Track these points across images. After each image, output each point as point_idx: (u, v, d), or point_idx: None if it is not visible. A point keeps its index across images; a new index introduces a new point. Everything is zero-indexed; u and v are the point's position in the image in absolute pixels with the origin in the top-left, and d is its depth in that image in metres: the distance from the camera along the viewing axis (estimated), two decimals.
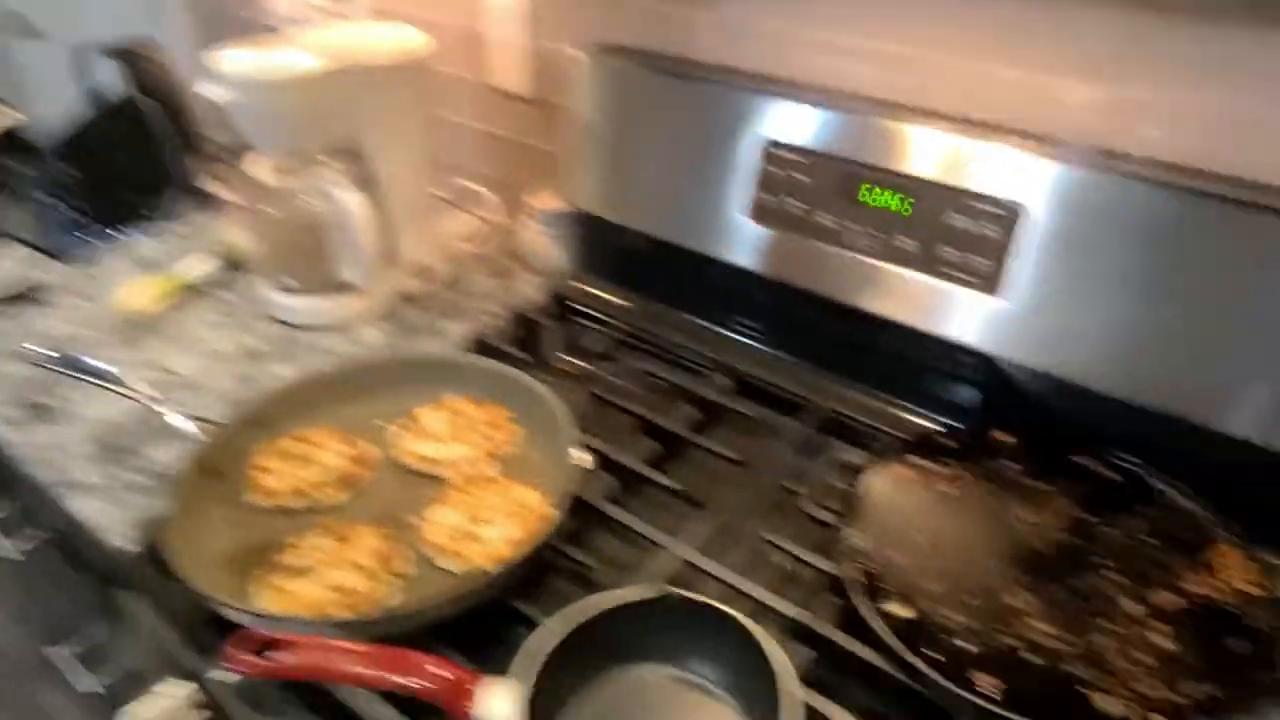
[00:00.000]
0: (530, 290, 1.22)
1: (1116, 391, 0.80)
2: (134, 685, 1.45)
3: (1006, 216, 0.80)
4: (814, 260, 0.94)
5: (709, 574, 0.75)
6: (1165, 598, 0.69)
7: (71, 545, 1.18)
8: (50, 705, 1.94)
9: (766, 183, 0.95)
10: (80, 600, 1.43)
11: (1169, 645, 0.65)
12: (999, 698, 0.61)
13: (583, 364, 1.02)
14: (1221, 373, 0.74)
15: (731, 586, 0.74)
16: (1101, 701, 0.61)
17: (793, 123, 0.92)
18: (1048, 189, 0.79)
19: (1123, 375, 0.79)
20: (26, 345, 0.96)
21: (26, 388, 1.02)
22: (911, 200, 0.86)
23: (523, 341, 1.09)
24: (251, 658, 0.58)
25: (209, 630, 0.73)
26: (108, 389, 0.87)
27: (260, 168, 1.07)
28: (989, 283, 0.82)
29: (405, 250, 1.17)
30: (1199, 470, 0.78)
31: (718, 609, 0.65)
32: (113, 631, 1.40)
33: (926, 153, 0.85)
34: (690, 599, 0.65)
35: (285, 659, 0.58)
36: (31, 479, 0.94)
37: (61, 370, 0.89)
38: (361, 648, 0.60)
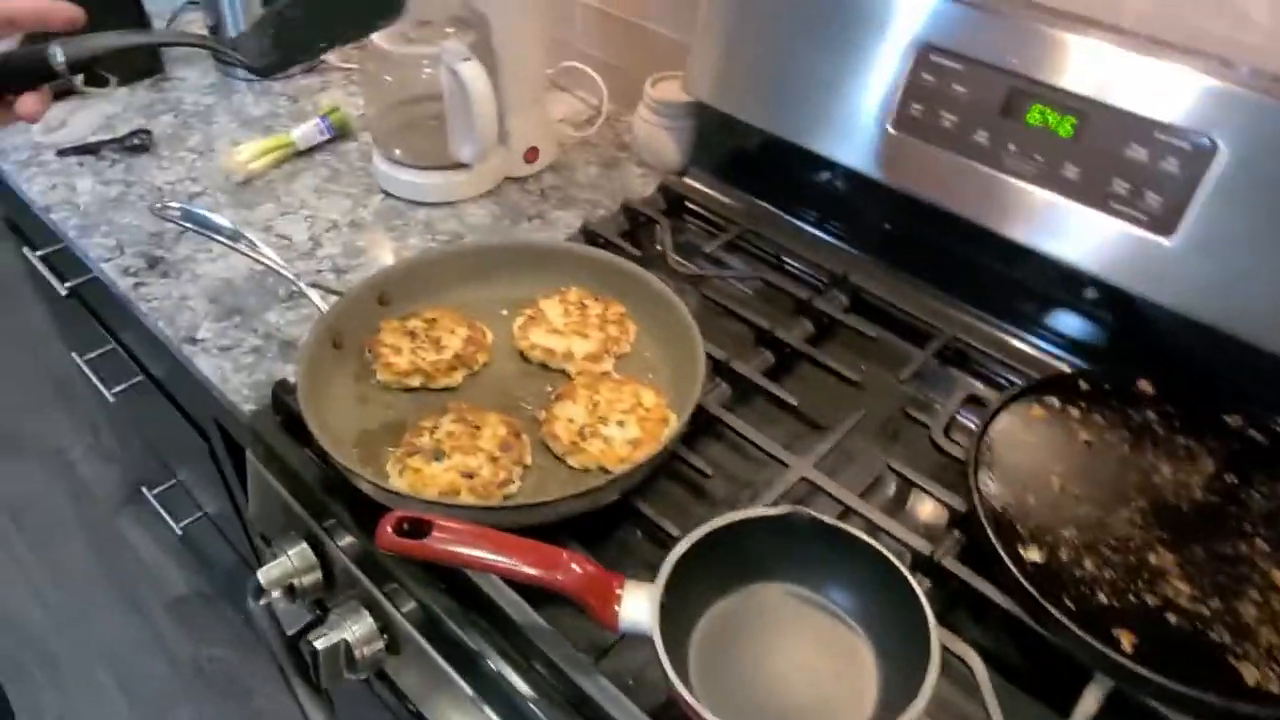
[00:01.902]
0: (637, 183, 1.18)
1: None
2: (212, 532, 1.49)
3: (1196, 152, 0.74)
4: (957, 178, 0.88)
5: (831, 495, 0.73)
6: None
7: (169, 395, 1.20)
8: (135, 542, 2.04)
9: (915, 89, 0.89)
10: (168, 447, 1.47)
11: None
12: (1136, 654, 0.59)
13: (692, 265, 0.99)
14: None
15: (854, 510, 0.72)
16: (1247, 672, 0.59)
17: (952, 25, 0.85)
18: (1245, 123, 0.72)
19: None
20: (165, 204, 0.93)
21: (147, 240, 1.02)
22: (1074, 121, 0.79)
23: (631, 236, 1.06)
24: (403, 539, 0.57)
25: (332, 497, 0.74)
26: (235, 249, 0.86)
27: (382, 35, 1.03)
28: (1162, 224, 0.77)
29: (516, 131, 1.13)
30: None
31: (851, 533, 0.63)
32: (194, 479, 1.45)
33: (1106, 71, 0.78)
34: (819, 520, 0.63)
35: (437, 543, 0.58)
36: (146, 329, 0.94)
37: (188, 226, 0.87)
38: (510, 538, 0.59)
